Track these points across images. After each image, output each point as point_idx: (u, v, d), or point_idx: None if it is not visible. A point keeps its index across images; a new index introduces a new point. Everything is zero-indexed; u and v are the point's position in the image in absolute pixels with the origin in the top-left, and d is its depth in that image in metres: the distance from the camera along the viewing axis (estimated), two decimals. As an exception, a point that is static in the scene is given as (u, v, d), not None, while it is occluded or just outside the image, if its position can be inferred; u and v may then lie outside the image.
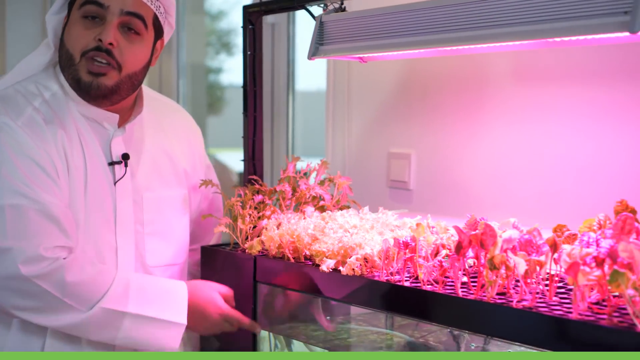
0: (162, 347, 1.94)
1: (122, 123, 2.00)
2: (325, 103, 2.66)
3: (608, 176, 1.91)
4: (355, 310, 2.12)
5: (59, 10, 1.98)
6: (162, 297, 1.93)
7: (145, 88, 2.08)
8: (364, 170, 2.54)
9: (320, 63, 2.73)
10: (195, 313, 1.97)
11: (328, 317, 2.11)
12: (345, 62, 2.55)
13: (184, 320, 1.92)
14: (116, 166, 1.97)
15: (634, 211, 1.49)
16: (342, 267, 1.70)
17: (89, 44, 1.88)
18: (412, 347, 1.93)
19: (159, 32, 1.99)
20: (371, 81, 2.51)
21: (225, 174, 3.81)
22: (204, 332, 2.04)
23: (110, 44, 1.86)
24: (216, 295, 2.00)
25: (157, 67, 4.02)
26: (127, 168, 1.98)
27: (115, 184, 1.97)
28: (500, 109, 2.13)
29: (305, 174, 2.08)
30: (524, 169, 2.08)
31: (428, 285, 1.56)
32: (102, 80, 1.89)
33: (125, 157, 1.98)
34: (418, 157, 2.36)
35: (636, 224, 1.42)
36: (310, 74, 3.18)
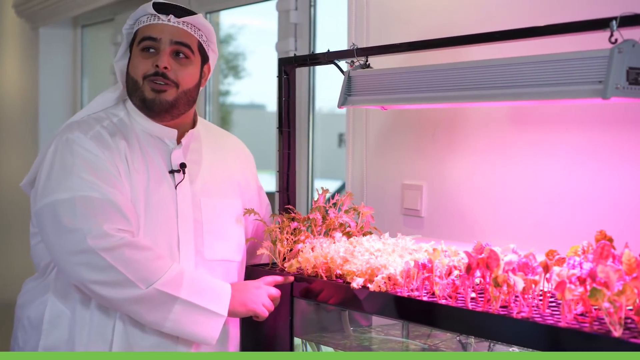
0: (203, 337, 2.18)
1: (180, 139, 2.35)
2: (345, 139, 2.96)
3: (593, 208, 2.17)
4: (376, 321, 2.44)
5: (122, 56, 2.37)
6: (210, 290, 2.20)
7: (205, 121, 2.49)
8: (381, 199, 2.81)
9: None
10: (239, 291, 2.24)
11: (352, 328, 2.43)
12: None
13: (225, 312, 2.19)
14: (176, 174, 2.31)
15: (611, 239, 1.82)
16: (370, 284, 2.01)
17: (148, 69, 2.25)
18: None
19: (204, 57, 2.36)
20: (387, 122, 2.78)
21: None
22: (249, 304, 2.23)
23: (165, 67, 2.24)
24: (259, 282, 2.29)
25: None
26: (185, 175, 2.32)
27: (175, 187, 2.30)
28: (500, 147, 2.40)
29: (333, 204, 2.41)
30: (521, 200, 2.35)
31: (443, 299, 1.89)
32: (163, 97, 2.26)
33: (183, 165, 2.32)
34: (429, 188, 2.63)
35: (612, 250, 1.75)
36: (331, 99, 3.46)
